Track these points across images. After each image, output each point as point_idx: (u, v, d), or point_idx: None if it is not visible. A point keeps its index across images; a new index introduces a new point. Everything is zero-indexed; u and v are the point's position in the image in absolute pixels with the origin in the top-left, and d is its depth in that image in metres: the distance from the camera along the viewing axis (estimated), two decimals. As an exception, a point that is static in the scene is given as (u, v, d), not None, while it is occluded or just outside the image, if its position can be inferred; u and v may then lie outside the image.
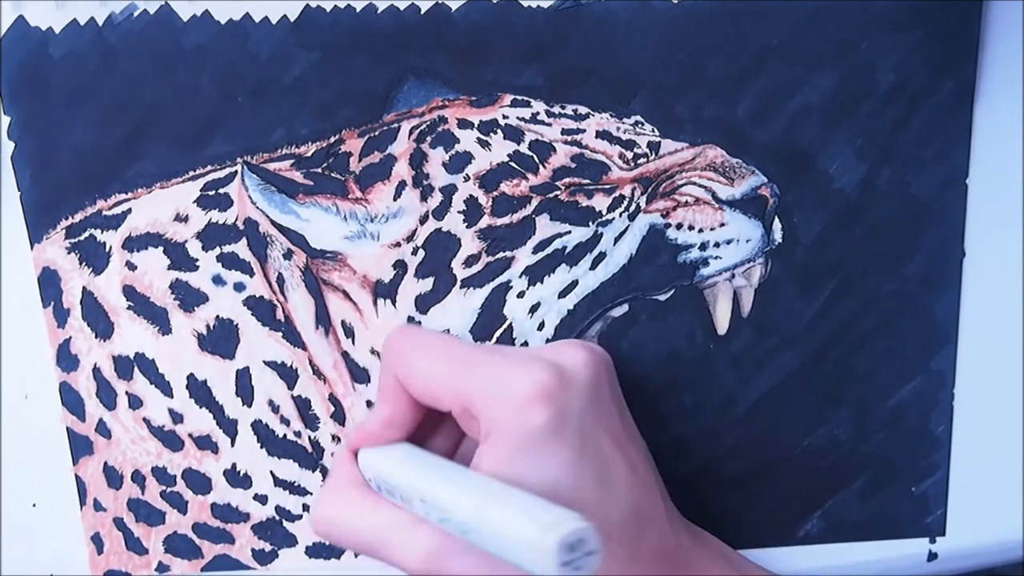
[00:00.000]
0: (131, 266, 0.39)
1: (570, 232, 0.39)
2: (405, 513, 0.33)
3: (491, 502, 0.29)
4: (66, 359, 0.40)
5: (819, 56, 0.38)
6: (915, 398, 0.42)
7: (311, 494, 0.42)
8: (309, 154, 0.38)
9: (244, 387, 0.40)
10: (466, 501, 0.30)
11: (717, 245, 0.39)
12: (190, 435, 0.41)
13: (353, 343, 0.40)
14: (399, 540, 0.32)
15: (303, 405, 0.41)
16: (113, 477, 0.41)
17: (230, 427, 0.41)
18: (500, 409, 0.32)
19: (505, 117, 0.38)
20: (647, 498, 0.34)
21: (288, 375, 0.40)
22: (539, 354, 0.34)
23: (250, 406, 0.41)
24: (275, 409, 0.41)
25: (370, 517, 0.34)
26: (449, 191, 0.39)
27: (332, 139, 0.38)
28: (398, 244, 0.39)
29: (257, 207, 0.39)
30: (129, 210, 0.39)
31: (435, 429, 0.37)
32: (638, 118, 0.39)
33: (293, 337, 0.40)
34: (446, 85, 0.38)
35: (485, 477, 0.31)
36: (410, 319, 0.40)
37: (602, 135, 0.38)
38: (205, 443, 0.41)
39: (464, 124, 0.39)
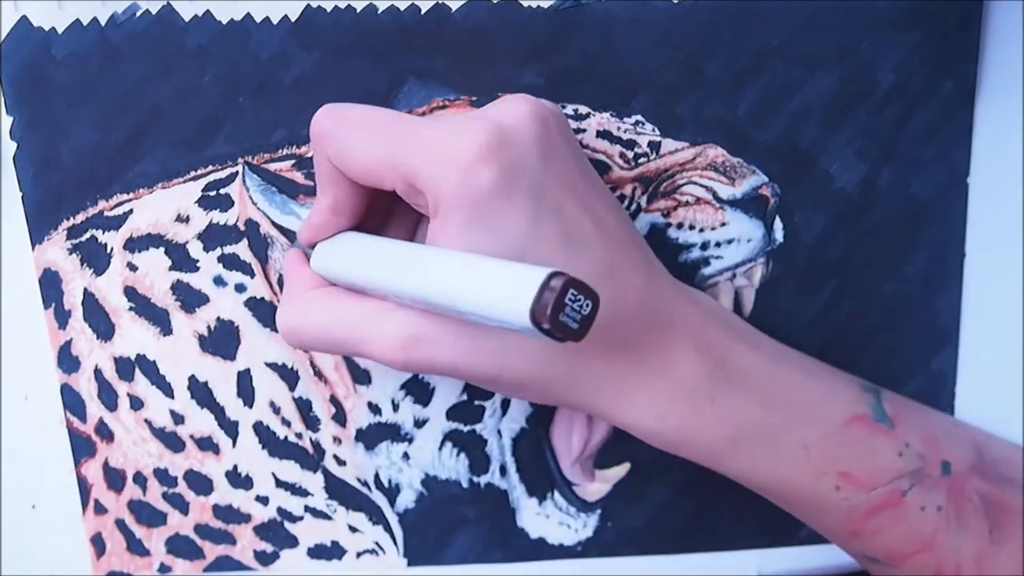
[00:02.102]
0: (132, 267, 0.39)
1: (571, 232, 0.39)
2: (373, 302, 0.31)
3: (464, 268, 0.28)
4: (67, 361, 0.40)
5: (819, 56, 0.38)
6: (916, 398, 0.42)
7: (312, 495, 0.42)
8: (310, 155, 0.38)
9: (245, 388, 0.40)
10: (443, 282, 0.28)
11: (718, 245, 0.39)
12: (191, 436, 0.41)
13: (354, 344, 0.40)
14: (371, 330, 0.31)
15: (304, 406, 0.41)
16: (114, 479, 0.41)
17: (231, 428, 0.41)
18: (444, 176, 0.30)
19: (506, 117, 0.38)
20: (621, 254, 0.32)
21: (289, 376, 0.40)
22: (479, 114, 0.31)
23: (251, 407, 0.41)
24: (276, 410, 0.41)
25: (336, 312, 0.32)
26: (450, 191, 0.39)
27: (333, 139, 0.38)
28: (399, 245, 0.39)
29: (258, 208, 0.39)
30: (130, 211, 0.39)
31: (387, 219, 0.35)
32: (638, 118, 0.39)
33: (294, 338, 0.40)
34: (446, 85, 0.38)
35: (446, 250, 0.29)
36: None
37: (602, 135, 0.39)
38: (206, 444, 0.41)
39: (465, 124, 0.38)
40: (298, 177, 0.39)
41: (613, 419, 0.34)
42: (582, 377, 0.33)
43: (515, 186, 0.30)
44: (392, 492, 0.42)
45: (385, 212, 0.36)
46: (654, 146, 0.39)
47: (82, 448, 0.41)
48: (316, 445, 0.41)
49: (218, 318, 0.40)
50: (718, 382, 0.34)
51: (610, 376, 0.33)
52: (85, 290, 0.40)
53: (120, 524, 0.42)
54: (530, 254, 0.30)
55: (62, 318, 0.40)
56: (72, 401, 0.41)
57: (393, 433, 0.41)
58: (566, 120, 0.33)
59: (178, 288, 0.40)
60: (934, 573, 0.36)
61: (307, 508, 0.42)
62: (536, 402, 0.33)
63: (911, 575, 0.37)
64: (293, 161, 0.39)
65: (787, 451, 0.35)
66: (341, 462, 0.41)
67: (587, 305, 0.26)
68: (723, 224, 0.39)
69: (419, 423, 0.41)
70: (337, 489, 0.42)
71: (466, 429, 0.41)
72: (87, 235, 0.39)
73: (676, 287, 0.35)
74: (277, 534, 0.42)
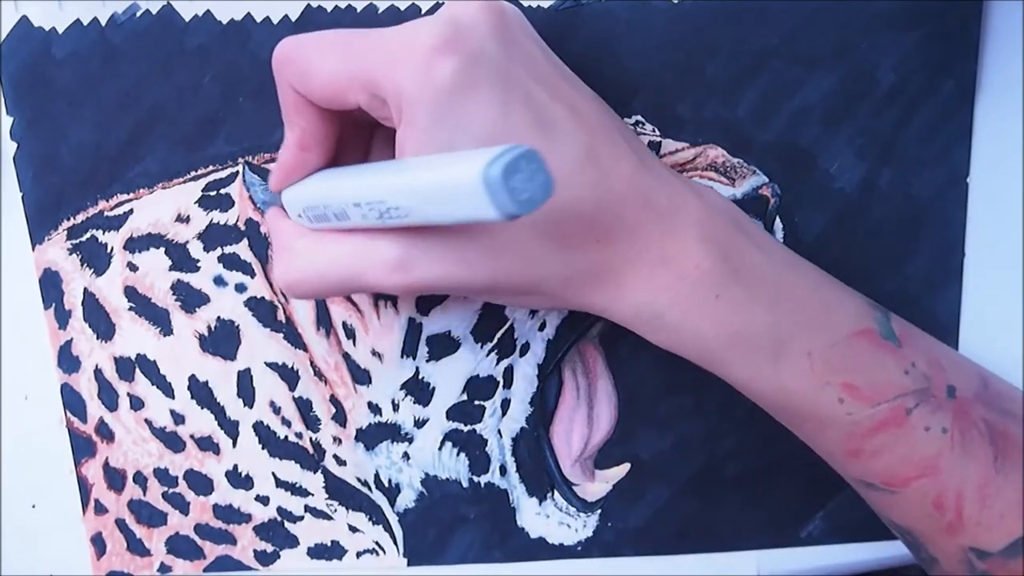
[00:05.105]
0: (132, 267, 0.39)
1: (571, 232, 0.39)
2: (359, 234, 0.31)
3: (421, 170, 0.27)
4: (67, 361, 0.40)
5: (819, 56, 0.38)
6: (917, 398, 0.42)
7: (312, 495, 0.42)
8: (310, 155, 0.38)
9: (245, 388, 0.40)
10: (395, 179, 0.28)
11: (718, 245, 0.39)
12: (192, 436, 0.41)
13: (354, 344, 0.40)
14: (364, 261, 0.31)
15: (304, 406, 0.41)
16: (115, 479, 0.41)
17: (231, 428, 0.41)
18: (402, 76, 0.29)
19: (506, 117, 0.38)
20: (603, 140, 0.31)
21: (289, 376, 0.40)
22: (431, 16, 0.31)
23: (251, 407, 0.41)
24: (276, 410, 0.41)
25: (328, 253, 0.32)
26: (450, 191, 0.39)
27: (333, 139, 0.38)
28: (399, 244, 0.39)
29: (258, 208, 0.39)
30: (131, 211, 0.39)
31: (357, 153, 0.35)
32: (638, 118, 0.39)
33: (294, 338, 0.40)
34: (447, 85, 0.38)
35: (411, 157, 0.29)
36: (411, 321, 0.40)
37: (603, 135, 0.38)
38: (207, 444, 0.41)
39: (465, 124, 0.38)
40: (298, 177, 0.39)
41: (613, 315, 0.33)
42: (578, 272, 0.32)
43: (478, 76, 0.29)
44: (392, 492, 0.42)
45: (360, 150, 0.35)
46: (654, 146, 0.39)
47: (82, 448, 0.41)
48: (316, 445, 0.41)
49: (218, 318, 0.40)
50: (723, 278, 0.32)
51: (607, 269, 0.32)
52: (85, 290, 0.40)
53: (120, 524, 0.42)
54: (501, 144, 0.28)
55: (62, 318, 0.40)
56: (72, 401, 0.41)
57: (393, 433, 0.41)
58: (524, 18, 0.32)
59: (178, 288, 0.40)
60: (934, 500, 0.35)
61: (307, 508, 0.42)
62: (540, 307, 0.32)
63: (910, 501, 0.35)
64: (293, 161, 0.38)
65: (790, 358, 0.33)
66: (341, 462, 0.41)
67: (541, 176, 0.25)
68: (723, 224, 0.39)
69: (419, 423, 0.41)
70: (337, 489, 0.42)
71: (466, 429, 0.41)
72: (87, 235, 0.39)
73: (676, 177, 0.33)
74: (277, 534, 0.42)
